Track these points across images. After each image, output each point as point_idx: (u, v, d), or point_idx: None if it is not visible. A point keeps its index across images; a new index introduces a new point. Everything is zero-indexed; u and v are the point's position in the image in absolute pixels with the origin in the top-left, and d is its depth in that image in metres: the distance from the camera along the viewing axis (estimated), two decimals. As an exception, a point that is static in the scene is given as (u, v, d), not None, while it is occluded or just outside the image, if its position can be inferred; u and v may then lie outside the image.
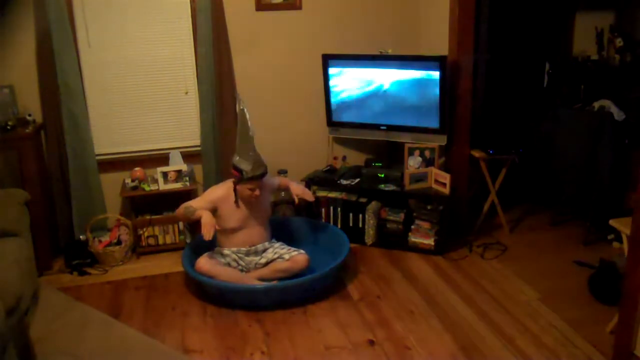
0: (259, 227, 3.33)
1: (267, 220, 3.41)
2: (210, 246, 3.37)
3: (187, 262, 3.25)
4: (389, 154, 4.17)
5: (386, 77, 3.86)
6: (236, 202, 3.25)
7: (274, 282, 3.19)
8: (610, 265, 3.04)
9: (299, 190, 3.48)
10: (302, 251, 3.28)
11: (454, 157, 3.88)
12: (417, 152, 3.87)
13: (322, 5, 4.04)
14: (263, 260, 3.31)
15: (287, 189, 3.60)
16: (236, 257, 3.28)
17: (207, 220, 3.09)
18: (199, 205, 3.21)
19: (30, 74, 3.61)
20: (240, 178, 3.15)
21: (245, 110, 3.19)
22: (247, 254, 3.31)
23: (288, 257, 3.24)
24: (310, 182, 4.00)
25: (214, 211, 3.22)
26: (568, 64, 4.58)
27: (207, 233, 3.05)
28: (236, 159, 3.17)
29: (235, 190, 3.24)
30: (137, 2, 3.74)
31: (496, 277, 3.38)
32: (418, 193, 3.76)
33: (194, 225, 3.85)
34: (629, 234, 2.42)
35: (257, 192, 3.18)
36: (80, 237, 3.74)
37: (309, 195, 3.49)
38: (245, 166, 3.12)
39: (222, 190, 3.29)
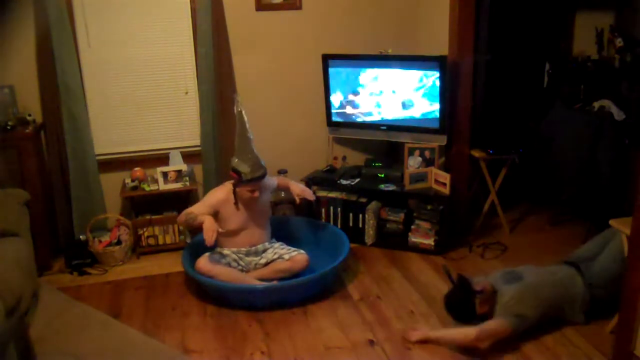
0: (259, 228, 3.33)
1: (267, 221, 3.41)
2: (210, 246, 3.38)
3: (187, 262, 3.25)
4: (389, 154, 4.17)
5: (386, 77, 3.86)
6: (236, 204, 3.24)
7: (274, 282, 3.19)
8: (465, 283, 2.77)
9: (298, 189, 3.48)
10: (302, 251, 3.28)
11: (454, 157, 3.88)
12: (417, 152, 3.87)
13: (322, 5, 4.04)
14: (263, 261, 3.31)
15: (287, 189, 3.60)
16: (236, 257, 3.28)
17: (209, 225, 3.07)
18: (199, 210, 3.19)
19: (30, 74, 3.61)
20: (239, 180, 3.15)
21: (243, 112, 3.18)
22: (247, 254, 3.31)
23: (288, 257, 3.24)
24: (310, 182, 4.00)
25: (215, 214, 3.21)
26: (568, 64, 4.58)
27: (209, 238, 3.04)
28: (235, 161, 3.16)
29: (234, 192, 3.23)
30: (137, 2, 3.74)
31: (496, 277, 3.37)
32: (418, 193, 3.76)
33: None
34: (629, 234, 2.42)
35: (256, 194, 3.17)
36: (80, 237, 3.74)
37: (309, 194, 3.49)
38: (244, 168, 3.11)
39: (221, 193, 3.28)
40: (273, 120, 4.13)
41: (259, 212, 3.33)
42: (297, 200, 3.49)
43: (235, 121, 3.85)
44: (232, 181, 3.24)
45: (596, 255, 2.95)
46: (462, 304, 2.76)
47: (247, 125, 3.19)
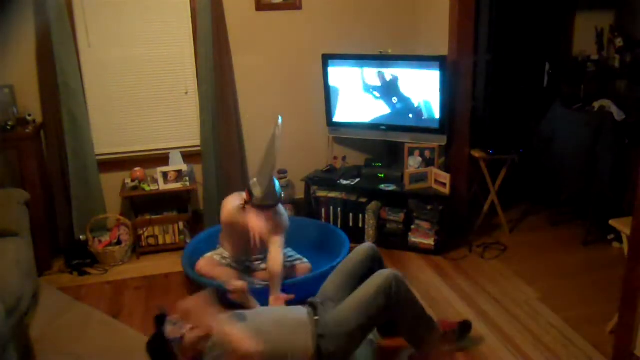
0: (259, 247, 3.19)
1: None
2: (210, 246, 3.37)
3: (187, 263, 3.24)
4: (389, 154, 4.17)
5: (386, 77, 3.86)
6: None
7: (274, 282, 3.17)
8: (159, 323, 2.28)
9: (272, 297, 2.90)
10: (305, 260, 3.25)
11: (454, 157, 3.88)
12: (417, 152, 3.87)
13: (322, 5, 4.04)
14: (263, 265, 3.29)
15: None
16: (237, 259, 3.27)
17: (234, 286, 2.64)
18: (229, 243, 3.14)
19: (30, 74, 3.61)
20: (249, 201, 2.98)
21: (278, 135, 2.94)
22: (248, 259, 3.29)
23: (289, 265, 3.19)
24: (310, 182, 4.00)
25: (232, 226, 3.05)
26: (568, 64, 4.58)
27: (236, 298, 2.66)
28: (253, 180, 2.98)
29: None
30: (137, 2, 3.74)
31: (496, 277, 3.38)
32: (418, 193, 3.76)
33: (194, 226, 3.86)
34: (629, 234, 2.42)
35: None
36: (80, 237, 3.74)
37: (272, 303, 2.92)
38: (258, 194, 2.93)
39: (235, 200, 3.09)
40: (273, 120, 4.09)
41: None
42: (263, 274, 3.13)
43: (236, 121, 3.84)
44: (244, 198, 3.05)
45: (341, 297, 2.52)
46: (158, 357, 2.24)
47: (276, 152, 2.94)
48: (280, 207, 3.12)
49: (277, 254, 2.97)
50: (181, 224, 3.81)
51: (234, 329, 2.23)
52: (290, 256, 3.30)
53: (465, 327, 2.71)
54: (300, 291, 3.12)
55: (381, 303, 2.37)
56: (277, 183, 3.02)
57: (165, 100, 3.95)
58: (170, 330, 2.22)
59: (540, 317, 2.93)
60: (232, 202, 3.09)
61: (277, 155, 2.97)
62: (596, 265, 3.50)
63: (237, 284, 2.60)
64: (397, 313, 2.44)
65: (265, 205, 2.95)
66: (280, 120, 3.03)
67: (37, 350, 2.55)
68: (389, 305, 2.38)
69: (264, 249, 3.12)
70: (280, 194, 3.03)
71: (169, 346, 2.20)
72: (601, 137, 3.58)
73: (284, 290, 3.09)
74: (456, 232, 3.88)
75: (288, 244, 3.42)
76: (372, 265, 2.69)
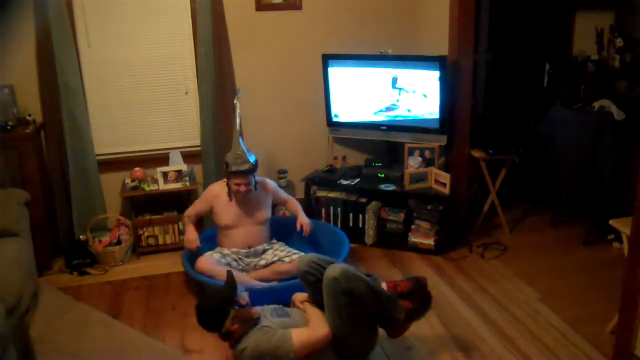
0: (256, 227, 3.33)
1: (265, 222, 3.40)
2: (210, 246, 3.38)
3: (187, 262, 3.25)
4: (389, 154, 4.17)
5: (386, 77, 3.86)
6: (229, 196, 3.29)
7: (274, 283, 3.19)
8: (231, 287, 2.38)
9: (305, 221, 3.43)
10: (302, 254, 3.28)
11: (454, 157, 3.88)
12: (417, 152, 3.87)
13: (322, 5, 4.04)
14: (262, 262, 3.31)
15: (292, 213, 3.57)
16: (236, 257, 3.28)
17: (187, 237, 3.29)
18: (195, 207, 3.39)
19: (30, 74, 3.61)
20: (226, 171, 3.24)
21: (237, 105, 3.25)
22: (247, 255, 3.31)
23: (289, 260, 3.24)
24: (310, 182, 4.00)
25: (210, 209, 3.33)
26: (568, 64, 4.59)
27: (189, 248, 3.27)
28: (228, 153, 3.26)
29: (228, 184, 3.29)
30: (137, 2, 3.74)
31: (496, 277, 3.38)
32: (418, 193, 3.76)
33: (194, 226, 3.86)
34: (629, 234, 2.42)
35: (242, 188, 3.21)
36: (80, 237, 3.74)
37: (307, 232, 3.42)
38: (230, 160, 3.20)
39: (217, 187, 3.37)
40: (273, 120, 4.13)
41: (255, 210, 3.33)
42: (298, 228, 3.43)
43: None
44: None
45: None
46: (215, 305, 2.34)
47: (238, 120, 3.29)
48: (265, 179, 3.49)
49: (284, 196, 3.55)
50: (181, 224, 3.81)
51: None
52: (289, 251, 3.34)
53: (418, 283, 2.60)
54: (301, 291, 3.12)
55: (344, 302, 2.30)
56: (252, 157, 3.25)
57: (165, 100, 3.95)
58: (240, 296, 2.36)
59: (540, 317, 2.93)
60: (217, 183, 3.44)
61: (239, 123, 3.32)
62: (596, 265, 3.50)
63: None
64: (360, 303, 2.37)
65: (239, 171, 3.17)
66: (239, 93, 3.46)
67: (37, 350, 2.54)
68: (354, 299, 2.31)
69: (261, 237, 3.35)
70: (255, 162, 3.25)
71: (228, 306, 2.31)
72: (601, 137, 3.58)
73: (285, 289, 3.10)
74: (456, 232, 3.88)
75: (288, 243, 3.44)
76: (312, 277, 2.51)
